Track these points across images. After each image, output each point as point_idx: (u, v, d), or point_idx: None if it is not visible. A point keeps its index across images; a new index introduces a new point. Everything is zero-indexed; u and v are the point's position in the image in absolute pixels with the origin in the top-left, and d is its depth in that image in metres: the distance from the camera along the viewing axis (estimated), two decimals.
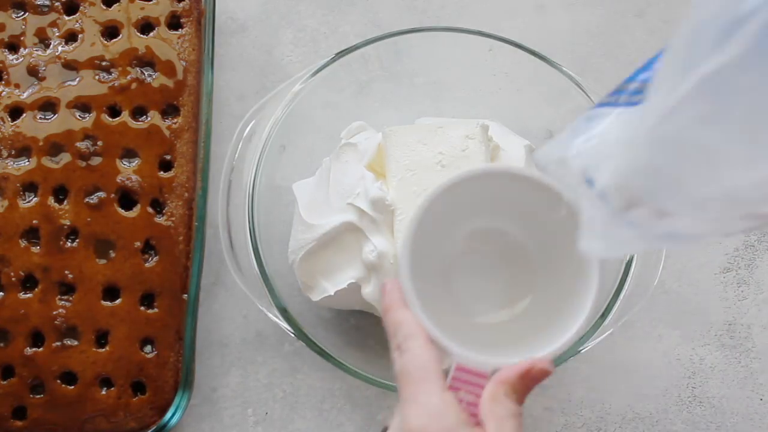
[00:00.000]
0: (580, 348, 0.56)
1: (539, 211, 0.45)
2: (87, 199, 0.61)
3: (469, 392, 0.40)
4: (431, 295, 0.43)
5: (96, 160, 0.61)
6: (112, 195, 0.61)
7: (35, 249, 0.60)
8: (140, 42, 0.63)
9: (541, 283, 0.47)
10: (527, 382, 0.40)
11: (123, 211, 0.61)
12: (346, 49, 0.59)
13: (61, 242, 0.60)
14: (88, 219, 0.60)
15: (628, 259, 0.57)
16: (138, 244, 0.60)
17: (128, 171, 0.61)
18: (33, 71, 0.63)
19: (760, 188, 0.31)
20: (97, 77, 0.63)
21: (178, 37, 0.64)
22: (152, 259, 0.61)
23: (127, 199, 0.62)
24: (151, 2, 0.64)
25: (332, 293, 0.56)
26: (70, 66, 0.63)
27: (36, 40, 0.64)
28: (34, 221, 0.60)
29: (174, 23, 0.64)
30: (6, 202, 0.61)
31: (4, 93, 0.63)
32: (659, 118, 0.31)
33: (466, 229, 0.47)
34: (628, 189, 0.34)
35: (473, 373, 0.41)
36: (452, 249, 0.48)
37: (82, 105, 0.62)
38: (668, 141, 0.31)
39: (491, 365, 0.41)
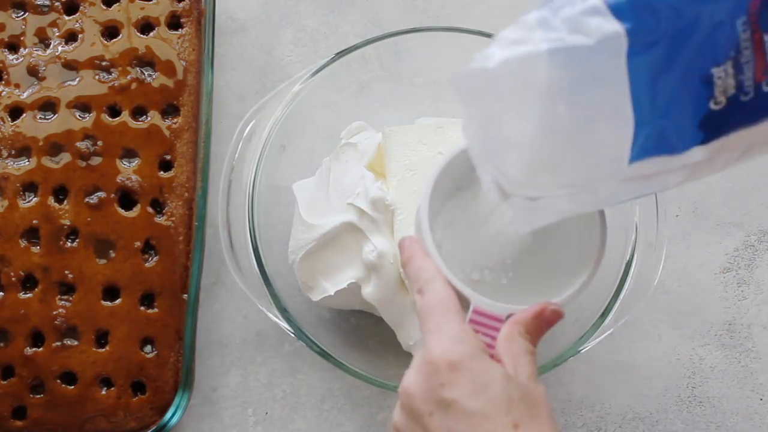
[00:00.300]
0: (580, 348, 0.56)
1: None
2: (87, 199, 0.61)
3: (485, 335, 0.42)
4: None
5: (96, 160, 0.61)
6: (112, 195, 0.61)
7: (35, 249, 0.60)
8: (140, 42, 0.63)
9: (538, 245, 0.49)
10: (540, 324, 0.42)
11: (123, 211, 0.61)
12: (346, 49, 0.59)
13: (61, 242, 0.60)
14: (88, 219, 0.60)
15: (628, 258, 0.57)
16: (138, 244, 0.60)
17: (128, 171, 0.61)
18: (33, 71, 0.63)
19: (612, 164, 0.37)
20: (97, 77, 0.63)
21: (178, 37, 0.64)
22: (152, 259, 0.61)
23: (127, 199, 0.62)
24: (151, 2, 0.64)
25: (332, 293, 0.56)
26: (70, 66, 0.63)
27: (36, 40, 0.64)
28: (34, 221, 0.60)
29: (174, 23, 0.64)
30: (6, 202, 0.61)
31: (4, 93, 0.63)
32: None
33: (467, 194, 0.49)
34: (499, 186, 0.40)
35: (489, 316, 0.43)
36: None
37: (82, 105, 0.62)
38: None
39: (506, 310, 0.43)
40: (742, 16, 0.34)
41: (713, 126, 0.36)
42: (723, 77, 0.35)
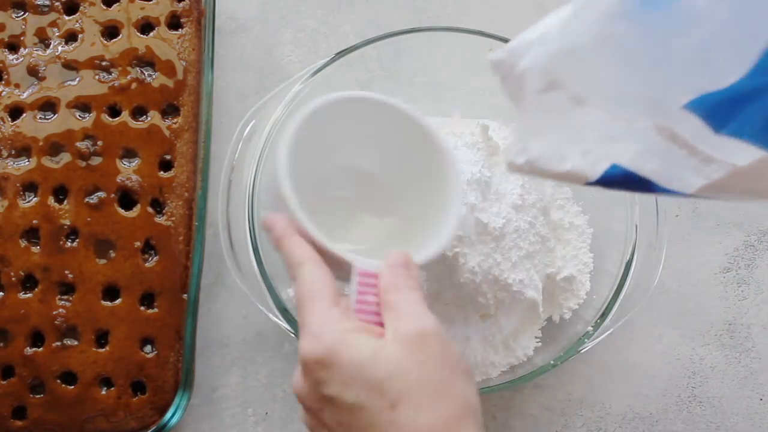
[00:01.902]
0: (580, 348, 0.56)
1: (398, 138, 0.49)
2: (87, 199, 0.61)
3: (375, 294, 0.42)
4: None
5: (96, 160, 0.61)
6: (112, 195, 0.61)
7: (35, 249, 0.60)
8: (140, 42, 0.63)
9: (402, 208, 0.51)
10: (414, 271, 0.42)
11: (123, 211, 0.61)
12: (346, 49, 0.60)
13: (61, 242, 0.60)
14: (88, 219, 0.60)
15: (628, 258, 0.57)
16: (138, 244, 0.60)
17: (128, 171, 0.61)
18: (33, 71, 0.63)
19: (667, 93, 0.31)
20: (97, 77, 0.63)
21: (178, 37, 0.64)
22: (152, 259, 0.61)
23: (127, 199, 0.62)
24: (151, 2, 0.64)
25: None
26: (70, 66, 0.63)
27: (36, 40, 0.64)
28: (34, 221, 0.60)
29: (174, 23, 0.64)
30: (6, 202, 0.61)
31: (4, 93, 0.63)
32: (582, 8, 0.32)
33: (334, 162, 0.50)
34: (549, 71, 0.34)
35: (372, 275, 0.42)
36: (319, 181, 0.50)
37: (82, 105, 0.62)
38: (589, 33, 0.32)
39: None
40: None
41: None
42: None
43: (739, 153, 0.30)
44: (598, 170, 0.35)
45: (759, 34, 0.27)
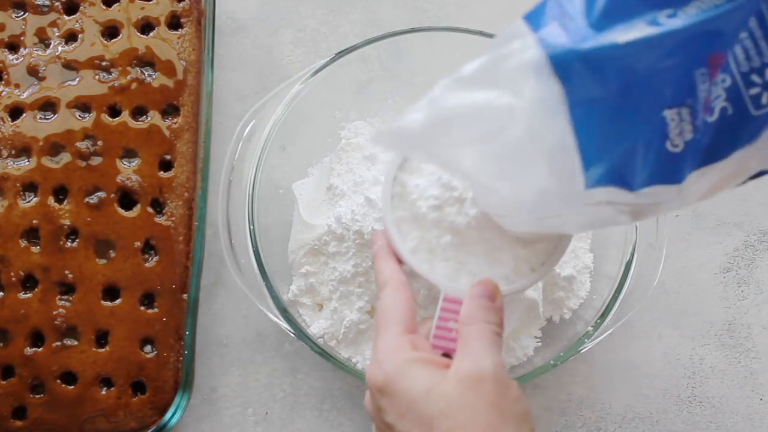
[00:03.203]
0: (580, 348, 0.56)
1: None
2: (87, 199, 0.61)
3: (456, 321, 0.41)
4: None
5: (96, 160, 0.61)
6: (112, 195, 0.61)
7: (35, 249, 0.60)
8: (140, 42, 0.63)
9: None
10: (497, 303, 0.42)
11: (123, 211, 0.61)
12: (346, 49, 0.59)
13: (61, 242, 0.60)
14: (88, 219, 0.60)
15: (628, 258, 0.57)
16: (138, 244, 0.60)
17: (128, 171, 0.61)
18: (33, 71, 0.63)
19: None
20: (97, 77, 0.63)
21: (178, 37, 0.64)
22: (152, 259, 0.61)
23: (127, 199, 0.62)
24: (151, 2, 0.64)
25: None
26: (70, 66, 0.63)
27: (36, 40, 0.64)
28: (34, 221, 0.60)
29: (174, 23, 0.64)
30: (6, 202, 0.61)
31: (4, 93, 0.63)
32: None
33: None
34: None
35: (458, 301, 0.41)
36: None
37: (82, 105, 0.62)
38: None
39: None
40: (701, 67, 0.34)
41: (669, 167, 0.35)
42: (677, 121, 0.34)
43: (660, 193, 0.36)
44: None
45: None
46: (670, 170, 0.35)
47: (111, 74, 0.63)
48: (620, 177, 0.35)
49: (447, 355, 0.41)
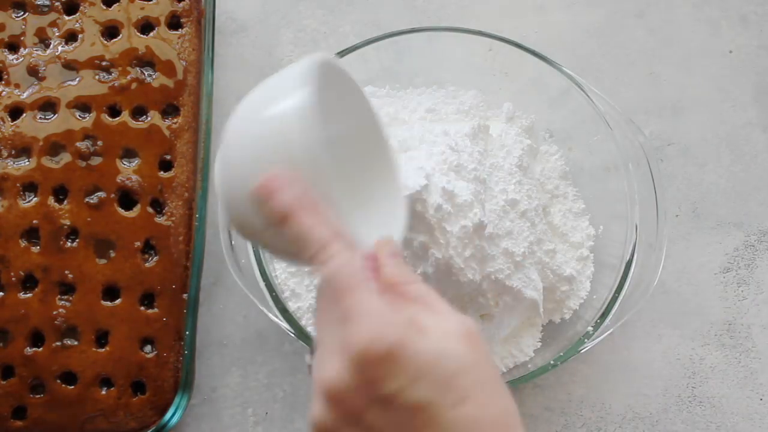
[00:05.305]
0: (580, 348, 0.56)
1: (353, 114, 0.46)
2: (87, 199, 0.61)
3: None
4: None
5: (96, 160, 0.61)
6: (112, 195, 0.61)
7: (35, 249, 0.60)
8: (140, 42, 0.63)
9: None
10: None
11: (123, 211, 0.61)
12: (346, 49, 0.59)
13: (61, 242, 0.60)
14: (88, 219, 0.60)
15: (628, 258, 0.57)
16: (138, 244, 0.60)
17: (128, 171, 0.61)
18: (33, 71, 0.63)
19: None
20: (97, 77, 0.63)
21: (178, 37, 0.64)
22: (152, 259, 0.61)
23: (127, 199, 0.62)
24: (151, 2, 0.64)
25: None
26: (70, 66, 0.63)
27: (36, 40, 0.64)
28: (34, 221, 0.60)
29: (174, 23, 0.64)
30: (6, 202, 0.61)
31: (4, 93, 0.63)
32: None
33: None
34: None
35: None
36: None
37: (82, 105, 0.62)
38: None
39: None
40: None
41: None
42: None
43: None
44: None
45: None
46: None
47: (111, 74, 0.63)
48: None
49: None
